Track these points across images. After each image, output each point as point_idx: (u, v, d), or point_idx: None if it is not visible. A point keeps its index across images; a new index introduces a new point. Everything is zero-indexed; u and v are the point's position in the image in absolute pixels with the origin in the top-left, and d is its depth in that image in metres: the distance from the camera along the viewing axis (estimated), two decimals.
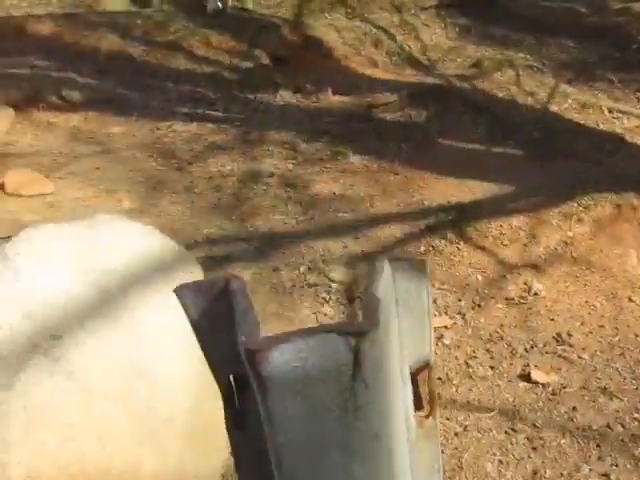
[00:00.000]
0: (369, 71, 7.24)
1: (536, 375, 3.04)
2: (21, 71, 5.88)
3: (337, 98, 5.90)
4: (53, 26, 6.79)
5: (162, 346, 2.06)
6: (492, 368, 3.10)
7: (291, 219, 3.92)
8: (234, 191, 4.14)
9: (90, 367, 1.93)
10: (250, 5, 8.07)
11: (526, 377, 3.04)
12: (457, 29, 8.13)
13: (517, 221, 3.98)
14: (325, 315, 3.21)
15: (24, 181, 3.92)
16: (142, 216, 3.84)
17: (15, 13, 7.38)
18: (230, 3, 7.72)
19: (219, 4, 7.67)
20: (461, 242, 3.80)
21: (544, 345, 3.25)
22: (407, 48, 7.80)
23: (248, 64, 6.78)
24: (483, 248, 3.81)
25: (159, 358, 2.05)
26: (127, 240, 2.21)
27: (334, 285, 3.39)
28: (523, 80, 6.41)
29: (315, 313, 3.21)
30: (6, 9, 7.55)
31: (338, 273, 3.46)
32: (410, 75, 7.05)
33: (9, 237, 3.47)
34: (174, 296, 0.90)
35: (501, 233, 3.90)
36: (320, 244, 3.68)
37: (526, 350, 3.22)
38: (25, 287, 1.95)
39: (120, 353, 2.00)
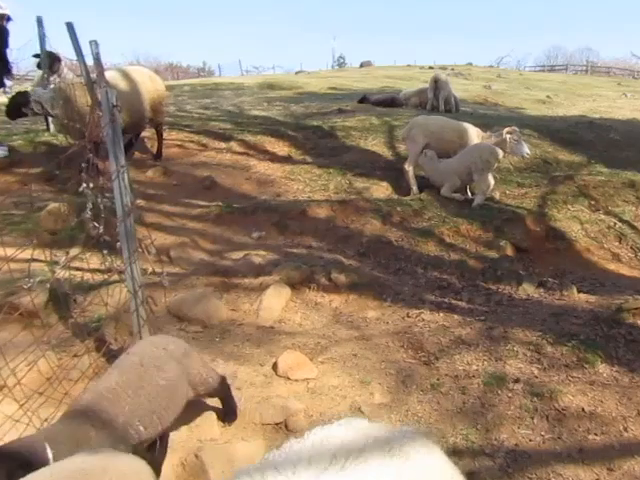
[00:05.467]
0: (612, 266, 6.63)
1: None
2: (300, 251, 6.31)
3: (582, 297, 5.40)
4: (329, 210, 7.29)
5: None
6: None
7: (537, 435, 3.47)
8: (479, 395, 3.82)
9: None
10: (497, 196, 7.99)
11: None
12: None
13: None
14: None
15: (293, 364, 4.00)
16: (391, 412, 3.68)
17: (300, 197, 8.08)
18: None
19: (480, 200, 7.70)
20: None
21: None
22: None
23: (493, 254, 6.58)
24: None
25: None
26: None
27: None
28: None
29: None
30: (293, 192, 8.32)
31: None
32: None
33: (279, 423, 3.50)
34: None
35: None
36: (569, 471, 3.18)
37: None
38: None
39: None
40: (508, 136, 7.81)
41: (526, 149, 7.88)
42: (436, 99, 12.90)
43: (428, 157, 8.11)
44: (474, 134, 8.23)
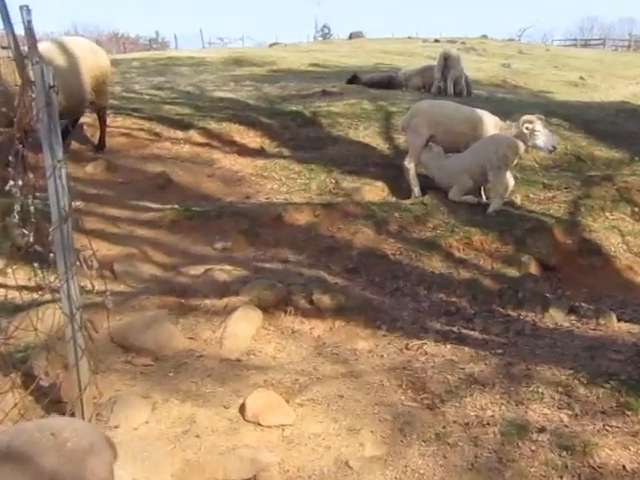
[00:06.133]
0: None
1: None
2: (274, 266, 6.34)
3: (623, 326, 5.50)
4: (311, 215, 7.37)
5: None
6: None
7: None
8: (495, 447, 3.86)
9: None
10: (518, 201, 8.08)
11: None
12: None
13: None
14: None
15: (265, 406, 4.02)
16: (385, 468, 3.72)
17: (275, 198, 8.13)
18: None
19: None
20: None
21: None
22: None
23: (513, 272, 6.67)
24: None
25: None
26: None
27: None
28: None
29: None
30: (266, 193, 8.36)
31: None
32: None
33: None
34: None
35: None
36: None
37: None
38: None
39: None
40: (526, 126, 7.83)
41: (552, 142, 7.94)
42: (444, 80, 13.04)
43: (434, 152, 8.20)
44: (491, 124, 8.31)
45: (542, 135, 7.85)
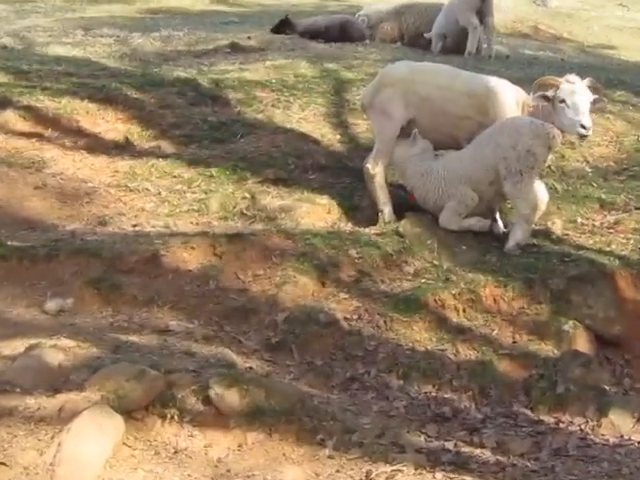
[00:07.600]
0: None
1: None
2: (146, 339, 6.25)
3: None
4: (209, 254, 7.39)
5: None
6: None
7: None
8: None
9: None
10: (559, 229, 8.13)
11: None
12: None
13: None
14: None
15: None
16: None
17: (148, 226, 8.05)
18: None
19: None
20: None
21: None
22: None
23: (547, 348, 6.73)
24: None
25: None
26: None
27: None
28: None
29: None
30: (134, 216, 8.27)
31: None
32: None
33: None
34: None
35: None
36: None
37: None
38: None
39: None
40: (540, 93, 7.75)
41: (582, 118, 7.64)
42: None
43: (415, 149, 8.21)
44: (510, 101, 8.15)
45: (569, 109, 7.65)
